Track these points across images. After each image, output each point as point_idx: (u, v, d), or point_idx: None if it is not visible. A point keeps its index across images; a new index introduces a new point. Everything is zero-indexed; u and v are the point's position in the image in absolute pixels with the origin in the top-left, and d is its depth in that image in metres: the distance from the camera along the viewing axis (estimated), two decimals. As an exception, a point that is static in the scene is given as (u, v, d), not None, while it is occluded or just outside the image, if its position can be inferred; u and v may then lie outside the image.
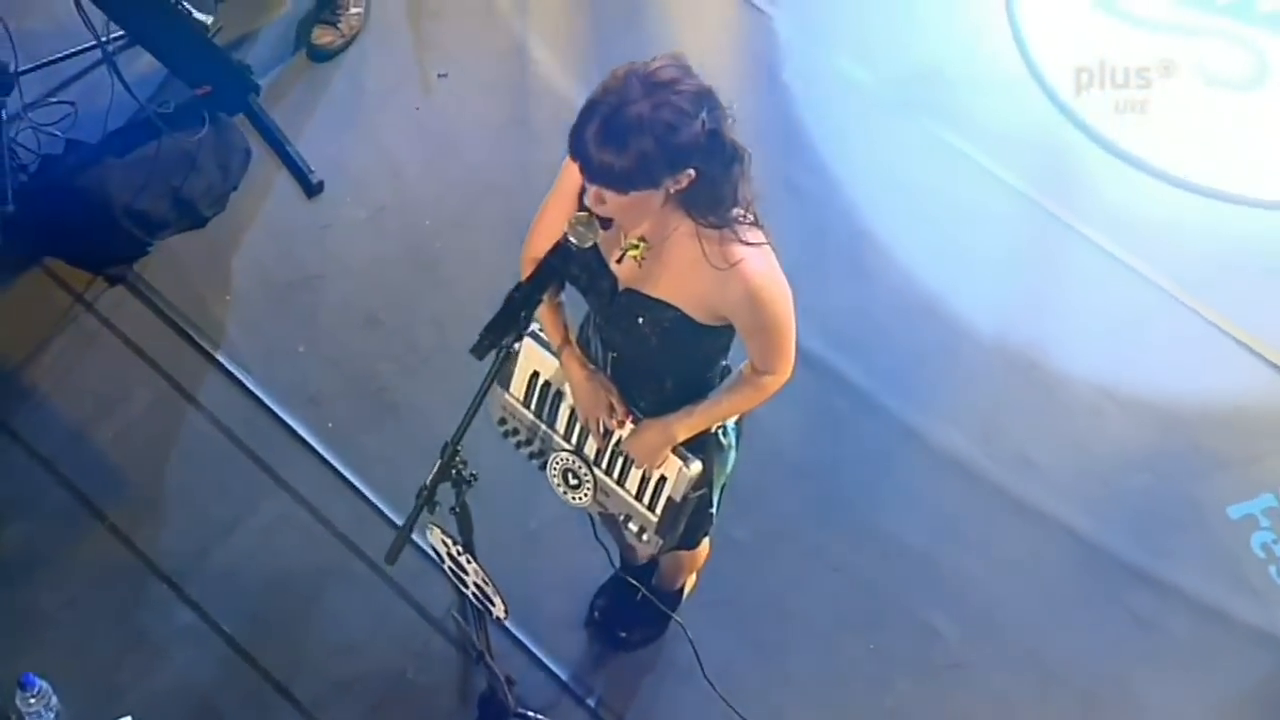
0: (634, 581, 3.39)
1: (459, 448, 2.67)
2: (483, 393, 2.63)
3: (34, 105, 4.24)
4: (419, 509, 2.72)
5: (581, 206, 2.69)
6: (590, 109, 2.40)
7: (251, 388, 3.95)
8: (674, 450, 2.86)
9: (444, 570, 3.11)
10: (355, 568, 3.75)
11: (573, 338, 2.90)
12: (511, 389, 3.02)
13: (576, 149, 2.40)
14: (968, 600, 3.78)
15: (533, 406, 3.01)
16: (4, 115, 4.14)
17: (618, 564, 3.45)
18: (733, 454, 3.02)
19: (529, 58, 4.52)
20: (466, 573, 3.00)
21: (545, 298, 2.85)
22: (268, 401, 3.93)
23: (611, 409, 2.87)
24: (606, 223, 2.50)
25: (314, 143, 4.31)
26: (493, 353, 2.55)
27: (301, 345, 4.03)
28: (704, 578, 3.69)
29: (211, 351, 3.99)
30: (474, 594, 3.05)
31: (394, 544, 2.78)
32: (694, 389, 2.85)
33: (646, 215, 2.53)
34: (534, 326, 2.93)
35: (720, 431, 2.93)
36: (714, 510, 3.07)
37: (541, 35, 4.57)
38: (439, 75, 4.45)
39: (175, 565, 3.73)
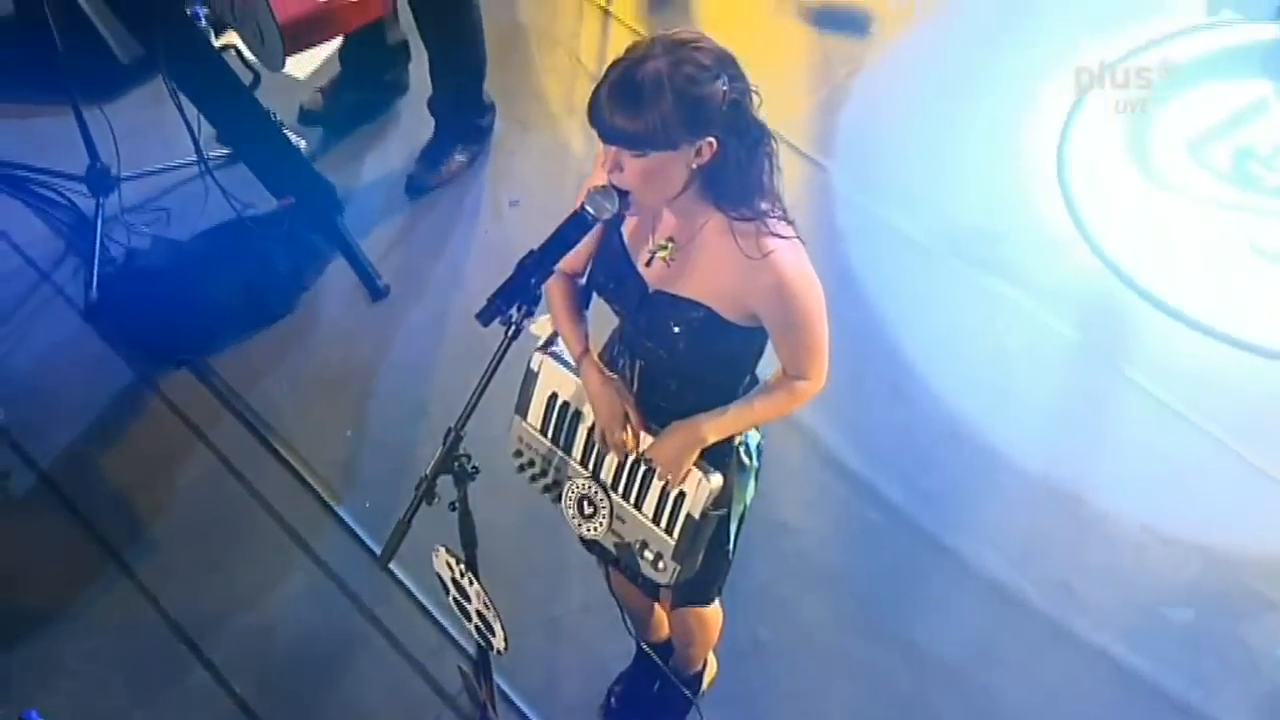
0: (648, 649, 3.16)
1: (462, 433, 2.53)
2: (490, 373, 2.49)
3: (132, 209, 4.33)
4: (418, 499, 2.55)
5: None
6: (610, 69, 2.34)
7: (295, 465, 3.86)
8: (695, 463, 2.67)
9: (449, 603, 2.91)
10: (376, 642, 3.57)
11: (595, 352, 2.77)
12: (529, 417, 2.88)
13: (593, 109, 2.34)
14: (999, 721, 3.47)
15: (549, 433, 2.86)
16: (102, 214, 4.25)
17: (632, 630, 3.22)
18: (753, 483, 2.83)
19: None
20: (469, 598, 2.80)
21: (568, 308, 2.77)
22: (309, 479, 3.83)
23: (626, 418, 2.70)
24: (625, 195, 2.40)
25: (385, 250, 4.32)
26: (507, 333, 2.44)
27: (349, 429, 3.94)
28: (724, 675, 3.45)
29: (262, 431, 3.92)
30: (476, 625, 2.84)
31: (390, 540, 2.60)
32: (720, 400, 2.67)
33: (667, 190, 2.41)
34: (556, 346, 2.83)
35: (743, 448, 2.75)
36: (731, 548, 2.86)
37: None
38: (510, 203, 4.47)
39: (196, 626, 3.58)
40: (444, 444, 2.53)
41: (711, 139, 2.35)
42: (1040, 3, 5.08)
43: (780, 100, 4.63)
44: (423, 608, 3.61)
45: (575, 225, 2.42)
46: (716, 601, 3.10)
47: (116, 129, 4.26)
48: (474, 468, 2.59)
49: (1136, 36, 4.96)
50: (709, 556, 2.80)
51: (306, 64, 4.81)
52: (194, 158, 4.24)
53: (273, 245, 4.21)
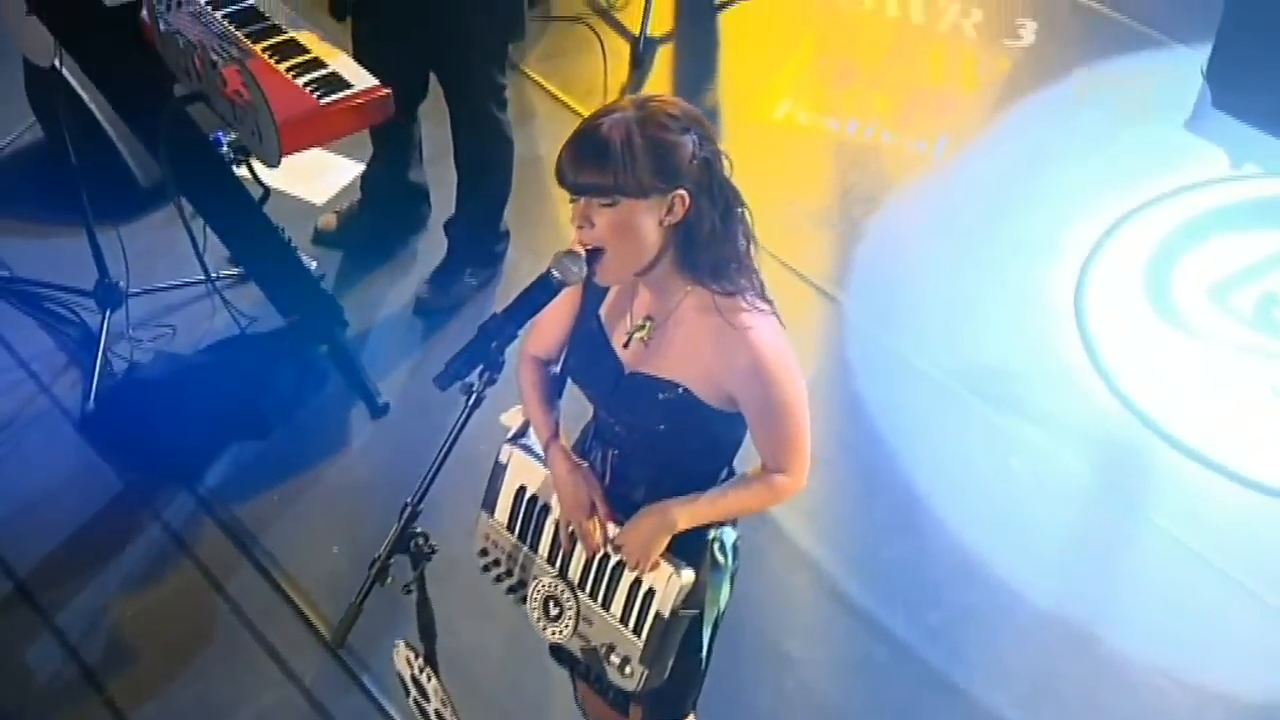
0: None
1: (419, 509, 2.38)
2: (449, 443, 2.37)
3: (138, 325, 4.28)
4: (371, 579, 2.41)
5: (585, 300, 2.52)
6: (580, 125, 2.26)
7: (278, 580, 3.70)
8: (665, 556, 2.49)
9: (410, 705, 2.72)
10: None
11: (567, 442, 2.63)
12: (496, 513, 2.72)
13: (560, 162, 2.25)
14: None
15: (516, 528, 2.69)
16: (107, 329, 4.20)
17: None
18: (727, 586, 2.61)
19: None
20: (427, 697, 2.62)
21: (538, 394, 2.64)
22: (291, 594, 3.66)
23: (593, 508, 2.54)
24: (594, 256, 2.29)
25: (388, 369, 4.23)
26: (469, 401, 2.32)
27: (337, 546, 3.78)
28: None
29: (247, 543, 3.78)
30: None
31: (343, 620, 2.45)
32: (696, 490, 2.50)
33: (639, 249, 2.28)
34: (527, 438, 2.69)
35: (717, 545, 2.54)
36: (704, 656, 2.65)
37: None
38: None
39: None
40: (399, 521, 2.39)
41: (683, 193, 2.25)
42: (1065, 151, 5.03)
43: (797, 233, 4.72)
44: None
45: (541, 289, 2.31)
46: (692, 717, 2.88)
47: (133, 249, 4.25)
48: (431, 548, 2.44)
49: (1161, 186, 4.90)
50: (680, 663, 2.59)
51: (325, 190, 4.82)
52: (214, 275, 4.21)
53: (275, 361, 4.13)
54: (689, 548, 2.52)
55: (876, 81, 5.36)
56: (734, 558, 2.61)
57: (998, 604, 3.71)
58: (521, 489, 2.68)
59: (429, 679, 2.57)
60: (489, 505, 2.73)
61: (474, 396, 2.32)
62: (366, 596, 2.42)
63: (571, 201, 2.28)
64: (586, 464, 2.58)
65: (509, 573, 2.72)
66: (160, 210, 4.57)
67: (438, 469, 2.37)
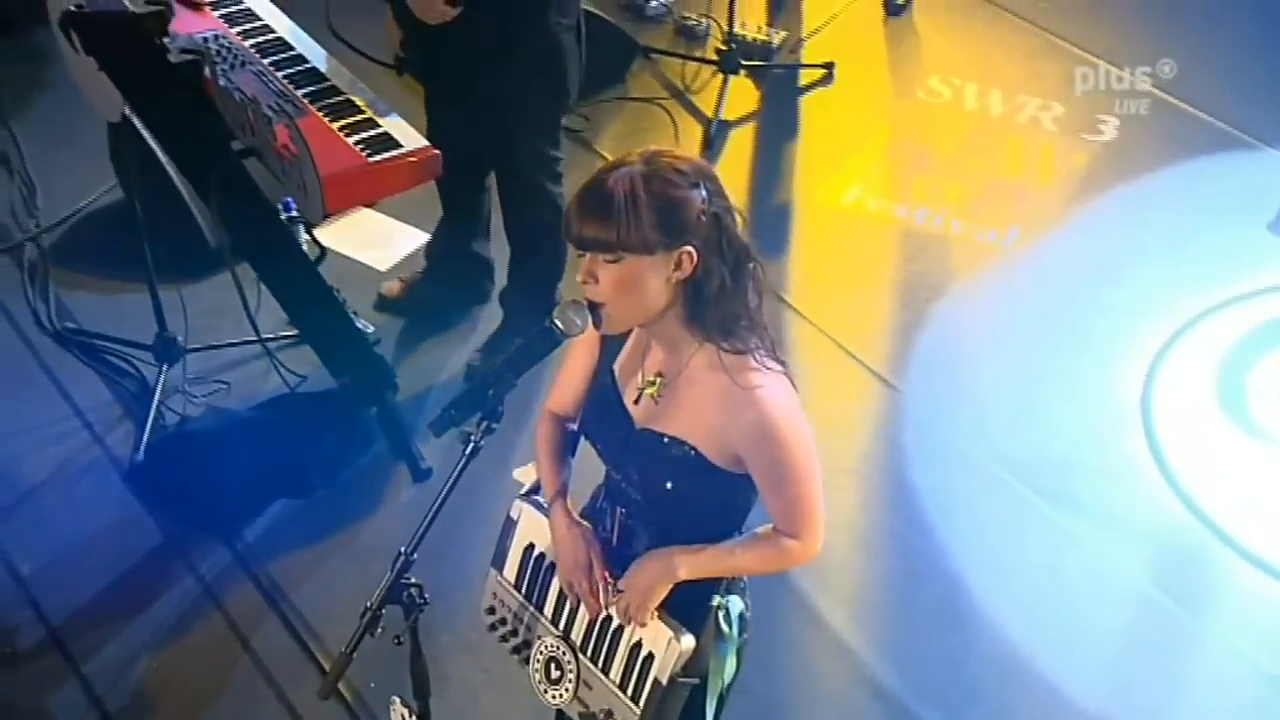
0: None
1: (413, 558, 2.32)
2: (446, 492, 2.31)
3: (194, 380, 4.30)
4: (362, 629, 2.35)
5: (602, 355, 2.48)
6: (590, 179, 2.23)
7: (304, 637, 3.65)
8: (664, 619, 2.40)
9: (405, 767, 2.64)
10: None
11: (571, 503, 2.55)
12: (505, 571, 2.65)
13: (566, 216, 2.20)
14: None
15: (523, 587, 2.63)
16: (163, 383, 4.23)
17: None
18: (733, 658, 2.50)
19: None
20: (407, 755, 2.54)
21: (550, 449, 2.58)
22: (316, 653, 3.61)
23: (592, 568, 2.46)
24: (597, 310, 2.24)
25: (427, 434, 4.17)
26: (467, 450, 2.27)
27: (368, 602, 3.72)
28: None
29: (277, 600, 3.74)
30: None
31: (331, 672, 2.39)
32: None
33: (643, 305, 2.23)
34: (540, 495, 2.62)
35: (722, 614, 2.44)
36: None
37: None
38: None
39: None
40: (392, 570, 2.33)
41: (690, 249, 2.19)
42: (1141, 248, 4.88)
43: (858, 318, 4.62)
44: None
45: (541, 339, 2.26)
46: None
47: (199, 306, 4.29)
48: (424, 599, 2.38)
49: (1239, 287, 4.74)
50: None
51: (390, 257, 4.83)
52: (273, 334, 4.25)
53: (322, 421, 4.12)
54: (691, 613, 2.43)
55: (950, 171, 5.27)
56: (740, 629, 2.51)
57: (1040, 704, 3.54)
58: (530, 546, 2.62)
59: (420, 739, 2.49)
60: (498, 562, 2.67)
61: (472, 445, 2.26)
62: (356, 646, 2.36)
63: (578, 256, 2.23)
64: (589, 524, 2.52)
65: (514, 632, 2.66)
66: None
67: (433, 518, 2.32)
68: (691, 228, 2.19)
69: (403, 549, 2.34)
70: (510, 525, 2.64)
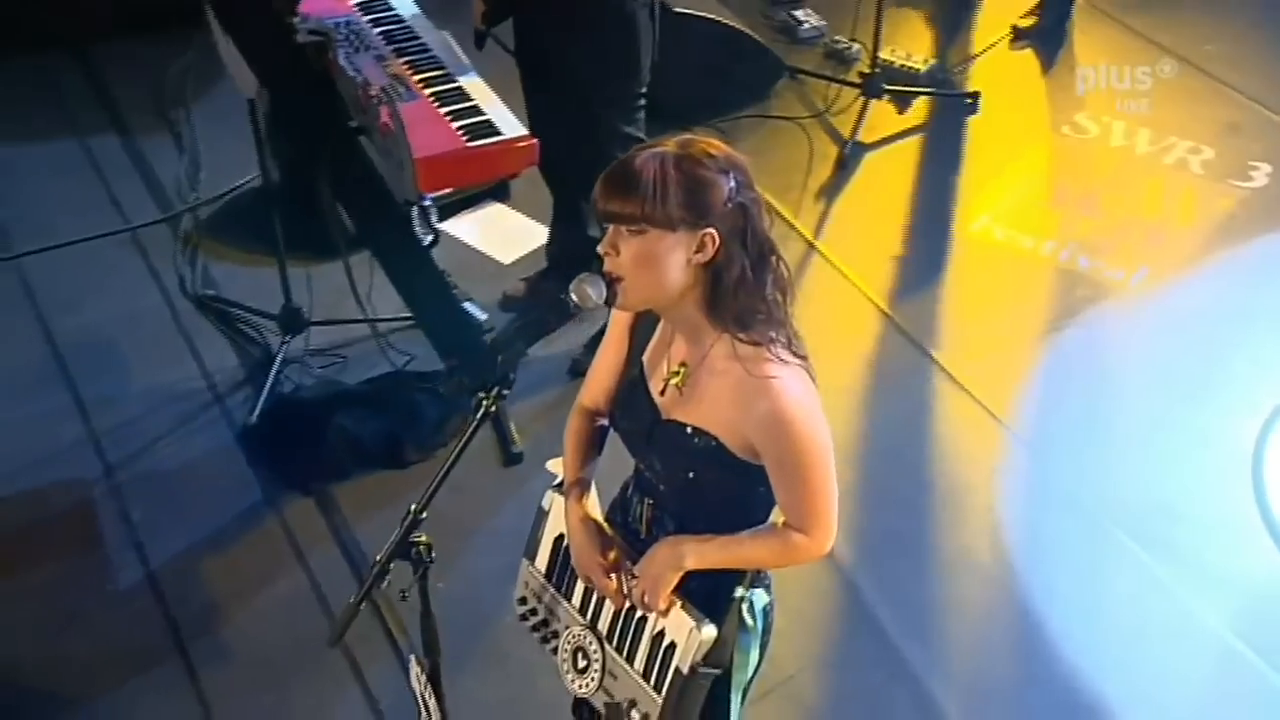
0: None
1: (421, 517, 2.31)
2: (458, 451, 2.30)
3: (314, 352, 4.39)
4: (371, 582, 2.35)
5: (632, 345, 2.43)
6: None
7: (379, 604, 3.65)
8: (687, 609, 2.33)
9: (422, 723, 2.63)
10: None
11: (592, 500, 2.51)
12: (537, 560, 2.62)
13: (595, 191, 2.17)
14: None
15: (553, 577, 2.58)
16: (284, 352, 4.33)
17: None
18: (756, 650, 2.42)
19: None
20: (429, 713, 2.52)
21: (576, 440, 2.54)
22: (387, 620, 3.61)
23: (604, 563, 2.41)
24: (614, 284, 2.19)
25: (529, 422, 4.14)
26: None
27: (441, 582, 3.72)
28: None
29: (357, 564, 3.78)
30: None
31: (340, 620, 2.39)
32: None
33: (661, 283, 2.17)
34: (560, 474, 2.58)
35: (745, 605, 2.36)
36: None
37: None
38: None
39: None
40: (401, 526, 2.32)
41: (713, 232, 2.13)
42: (1271, 298, 4.63)
43: (968, 346, 4.46)
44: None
45: (555, 311, 2.24)
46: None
47: (331, 285, 4.34)
48: (431, 557, 2.36)
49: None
50: None
51: (514, 251, 4.85)
52: (391, 315, 4.31)
53: (424, 399, 4.15)
54: (712, 602, 2.36)
55: (1084, 206, 5.06)
56: (764, 621, 2.43)
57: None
58: (560, 537, 2.57)
59: (430, 696, 2.47)
60: (530, 553, 2.64)
61: (483, 410, 2.24)
62: (364, 598, 2.36)
63: (602, 223, 2.20)
64: (620, 513, 2.50)
65: (544, 622, 2.61)
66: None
67: (444, 476, 2.30)
68: (716, 211, 2.14)
69: (412, 507, 2.33)
70: (542, 516, 2.61)
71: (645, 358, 2.40)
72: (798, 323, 4.50)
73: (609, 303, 2.20)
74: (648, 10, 3.87)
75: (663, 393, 2.35)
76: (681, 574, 2.34)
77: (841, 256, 4.85)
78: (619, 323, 2.43)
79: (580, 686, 2.51)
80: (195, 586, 3.77)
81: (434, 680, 2.49)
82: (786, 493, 2.27)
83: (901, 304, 4.67)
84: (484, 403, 2.26)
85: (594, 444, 2.54)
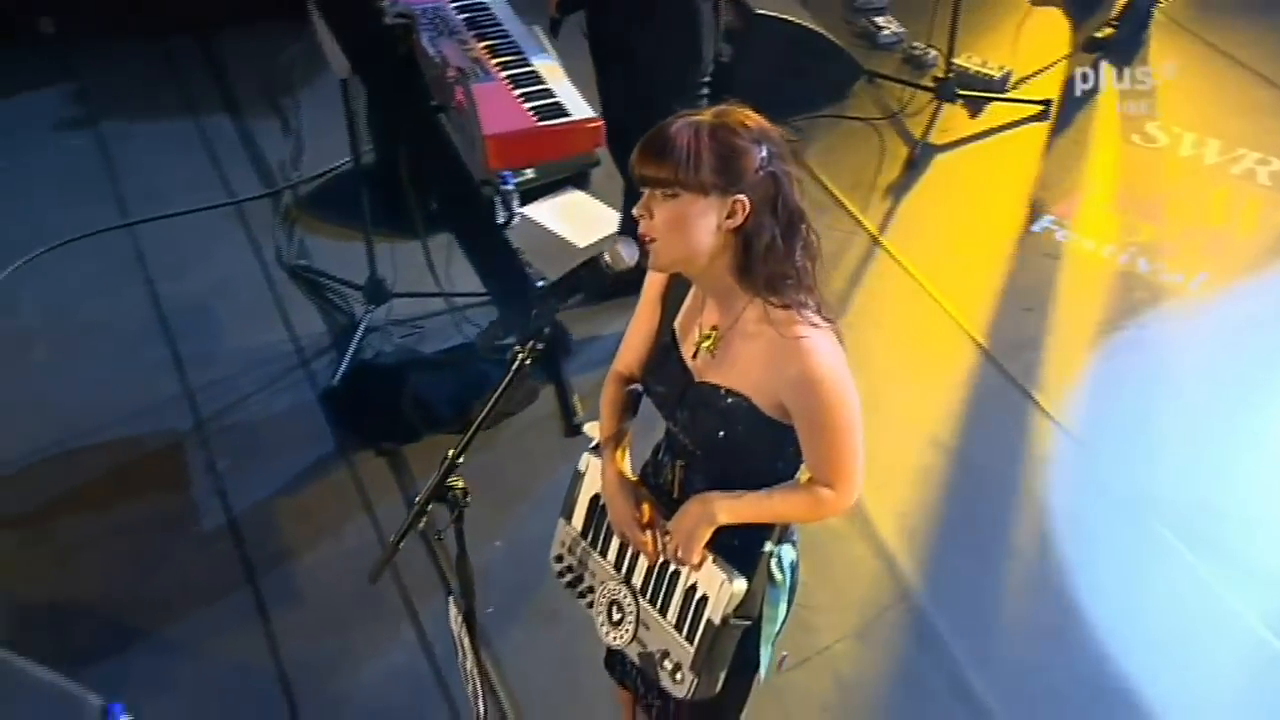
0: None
1: (458, 462, 2.34)
2: (494, 400, 2.32)
3: (395, 323, 4.46)
4: (409, 522, 2.39)
5: (664, 312, 2.44)
6: None
7: (440, 558, 3.71)
8: (719, 563, 2.35)
9: (459, 665, 2.66)
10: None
11: (624, 457, 2.52)
12: (573, 520, 2.64)
13: (632, 158, 2.19)
14: None
15: (589, 535, 2.61)
16: (368, 321, 4.41)
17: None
18: (784, 604, 2.44)
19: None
20: (465, 655, 2.55)
21: (613, 402, 2.56)
22: (445, 572, 3.66)
23: (639, 519, 2.43)
24: (646, 246, 2.21)
25: (593, 397, 4.17)
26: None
27: (500, 541, 3.78)
28: None
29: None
30: (472, 688, 2.58)
31: (382, 558, 2.43)
32: None
33: (692, 247, 2.19)
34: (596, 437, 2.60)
35: (774, 560, 2.39)
36: (761, 676, 2.48)
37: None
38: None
39: (300, 680, 3.46)
40: (439, 470, 2.36)
41: (744, 198, 2.14)
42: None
43: (1025, 345, 4.39)
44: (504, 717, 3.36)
45: (588, 271, 2.26)
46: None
47: (419, 260, 4.40)
48: (466, 501, 2.39)
49: None
50: (734, 681, 2.44)
51: (589, 235, 4.88)
52: (467, 291, 4.36)
53: (493, 369, 4.20)
54: (742, 556, 2.37)
55: (1148, 212, 4.96)
56: (792, 576, 2.45)
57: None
58: (596, 497, 2.60)
59: (465, 636, 2.51)
60: (566, 512, 2.66)
61: (518, 362, 2.27)
62: (404, 537, 2.40)
63: (638, 187, 2.22)
64: (652, 475, 2.52)
65: (580, 578, 2.63)
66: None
67: (481, 422, 2.33)
68: (747, 178, 2.15)
69: (449, 451, 2.36)
70: (578, 477, 2.64)
71: (677, 324, 2.42)
72: (856, 312, 4.52)
73: (644, 262, 2.22)
74: (711, 3, 3.88)
75: (694, 356, 2.36)
76: (713, 529, 2.35)
77: (904, 251, 4.81)
78: (651, 291, 2.45)
79: (615, 638, 2.54)
80: (271, 532, 3.86)
81: (469, 621, 2.51)
82: (814, 450, 2.27)
83: (961, 299, 4.61)
84: (519, 355, 2.27)
85: (628, 407, 2.56)
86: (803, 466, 2.34)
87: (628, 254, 2.21)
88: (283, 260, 4.80)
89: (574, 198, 5.01)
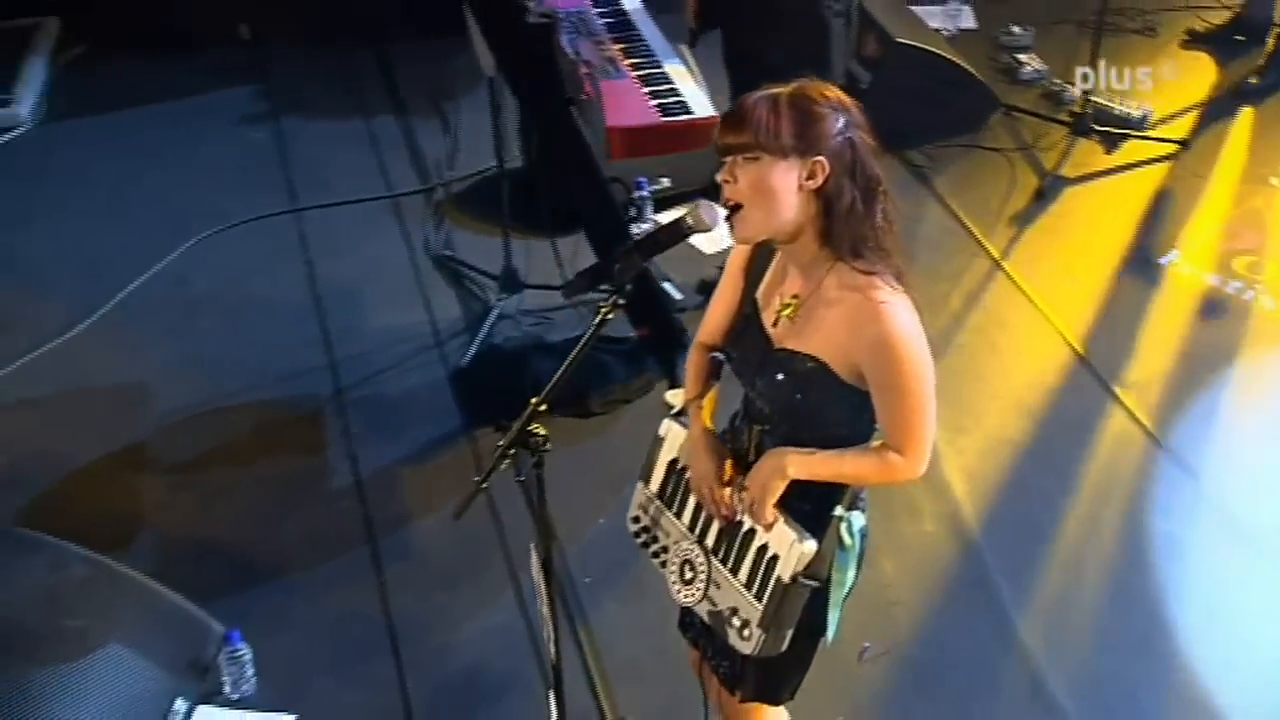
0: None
1: (540, 409, 2.35)
2: (581, 349, 2.33)
3: (526, 312, 4.53)
4: (494, 465, 2.41)
5: (746, 285, 2.43)
6: None
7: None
8: (790, 525, 2.32)
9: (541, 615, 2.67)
10: (535, 691, 3.29)
11: (705, 409, 2.50)
12: (651, 483, 2.63)
13: (717, 128, 2.19)
14: None
15: (665, 496, 2.60)
16: (500, 308, 4.48)
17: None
18: (852, 569, 2.40)
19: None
20: (541, 600, 2.56)
21: (696, 369, 2.55)
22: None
23: (718, 475, 2.40)
24: (732, 211, 2.20)
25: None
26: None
27: (604, 519, 3.78)
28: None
29: (532, 493, 3.83)
30: (549, 634, 2.58)
31: (465, 497, 2.46)
32: None
33: (776, 210, 2.17)
34: (687, 417, 2.57)
35: (844, 525, 2.34)
36: (827, 640, 2.44)
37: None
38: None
39: (406, 629, 3.52)
40: (522, 417, 2.37)
41: (822, 160, 2.12)
42: None
43: (1137, 369, 4.24)
44: (591, 681, 3.35)
45: (671, 230, 2.25)
46: (783, 709, 2.62)
47: (548, 258, 4.46)
48: (547, 447, 2.40)
49: None
50: (798, 644, 2.39)
51: (717, 243, 4.87)
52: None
53: (613, 360, 4.23)
54: (813, 519, 2.34)
55: (1273, 251, 4.74)
56: (861, 542, 2.41)
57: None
58: (674, 461, 2.59)
59: (542, 583, 2.51)
60: (645, 475, 2.65)
61: (600, 315, 2.27)
62: (488, 478, 2.42)
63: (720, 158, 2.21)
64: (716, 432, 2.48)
65: (655, 539, 2.62)
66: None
67: (565, 372, 2.35)
68: (825, 142, 2.15)
69: (533, 399, 2.37)
70: (658, 442, 2.62)
71: (759, 294, 2.41)
72: (971, 330, 4.41)
73: (731, 230, 2.21)
74: (842, 20, 3.86)
75: (775, 324, 2.34)
76: (787, 483, 2.32)
77: (1023, 275, 4.70)
78: (735, 264, 2.44)
79: (686, 596, 2.52)
80: (393, 495, 3.94)
81: (546, 567, 2.51)
82: (887, 414, 2.24)
83: (1076, 323, 4.48)
84: (599, 307, 2.28)
85: (711, 374, 2.55)
86: (875, 433, 2.30)
87: (709, 217, 2.20)
88: (429, 249, 4.92)
89: (704, 205, 5.00)
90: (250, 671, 3.31)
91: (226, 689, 3.29)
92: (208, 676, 3.29)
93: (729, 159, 2.19)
